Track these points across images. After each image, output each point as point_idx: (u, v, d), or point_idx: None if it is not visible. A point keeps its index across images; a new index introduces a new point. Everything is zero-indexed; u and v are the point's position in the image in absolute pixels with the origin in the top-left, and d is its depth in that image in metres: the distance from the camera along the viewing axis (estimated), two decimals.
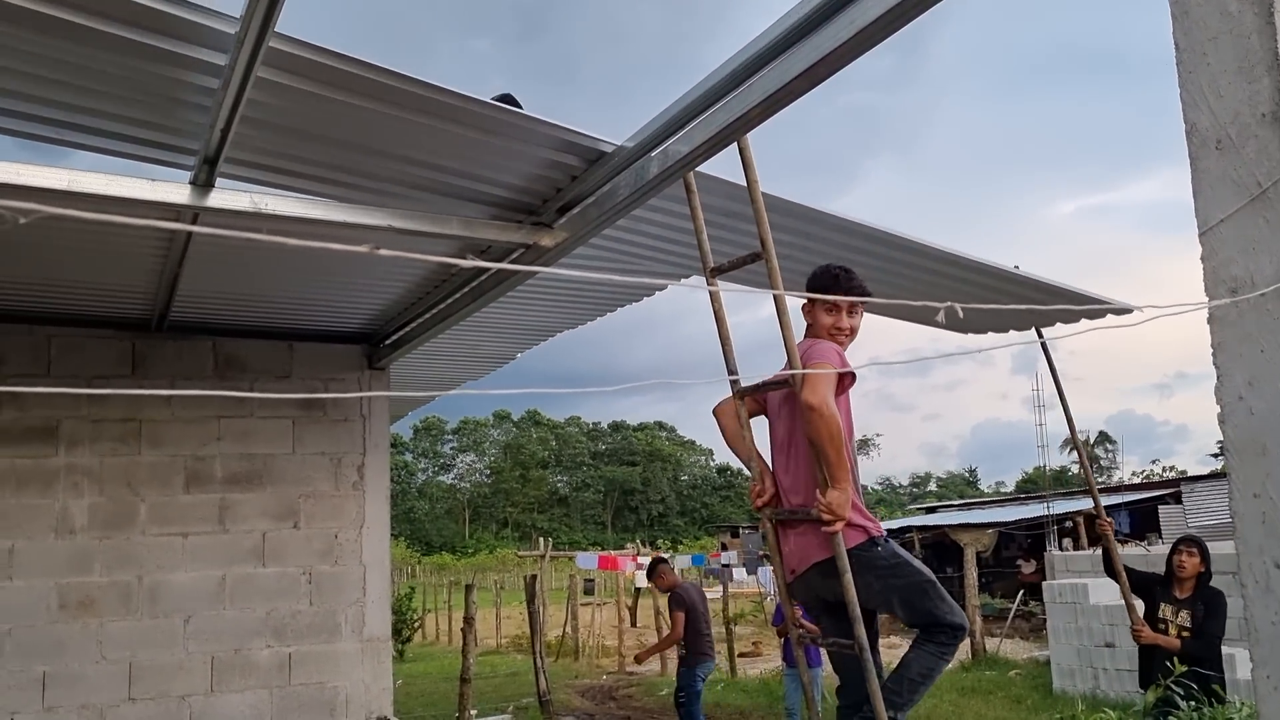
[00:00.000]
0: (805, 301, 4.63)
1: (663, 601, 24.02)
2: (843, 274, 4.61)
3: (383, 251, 1.18)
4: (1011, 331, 7.45)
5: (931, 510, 42.45)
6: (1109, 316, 6.51)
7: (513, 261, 5.36)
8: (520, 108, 5.05)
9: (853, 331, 4.58)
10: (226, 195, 4.40)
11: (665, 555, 12.46)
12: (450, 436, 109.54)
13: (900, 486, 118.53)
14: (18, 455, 6.52)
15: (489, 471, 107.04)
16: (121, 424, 6.80)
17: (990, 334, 7.48)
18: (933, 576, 4.38)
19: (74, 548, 6.61)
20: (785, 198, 4.93)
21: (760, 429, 4.73)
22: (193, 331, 7.00)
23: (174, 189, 4.36)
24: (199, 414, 7.00)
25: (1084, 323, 6.80)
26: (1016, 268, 6.28)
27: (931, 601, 4.30)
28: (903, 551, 4.41)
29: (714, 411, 4.81)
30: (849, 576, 4.04)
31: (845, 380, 4.31)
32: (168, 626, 6.79)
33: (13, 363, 6.57)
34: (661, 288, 6.45)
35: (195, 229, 2.07)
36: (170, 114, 3.93)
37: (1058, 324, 7.11)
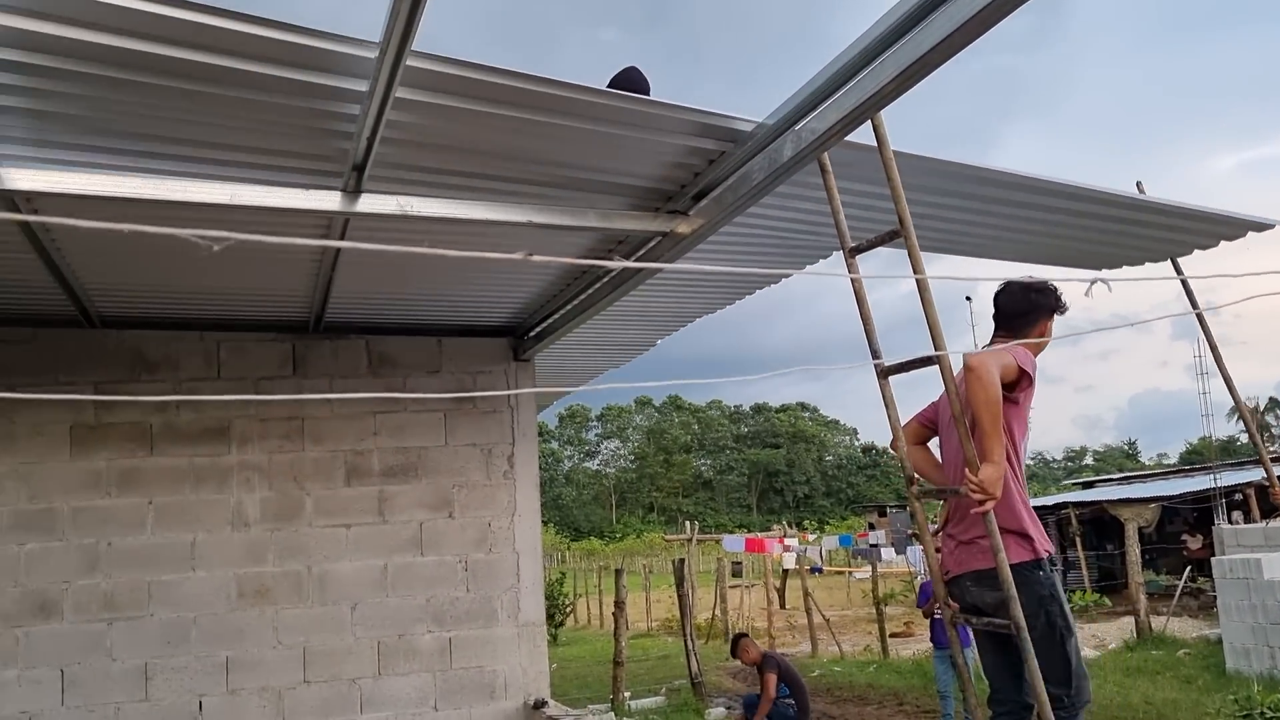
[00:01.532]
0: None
1: (812, 581, 23.90)
2: (1051, 292, 4.58)
3: (535, 257, 1.23)
4: (1147, 265, 7.13)
5: (1089, 485, 40.91)
6: (1249, 235, 6.21)
7: (651, 248, 5.42)
8: (646, 83, 5.10)
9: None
10: (375, 200, 4.58)
11: (745, 631, 12.66)
12: (594, 423, 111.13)
13: (1054, 461, 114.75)
14: (195, 454, 6.94)
15: (633, 457, 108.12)
16: (286, 422, 7.15)
17: (1125, 268, 7.17)
18: (1078, 633, 4.27)
19: (249, 540, 7.00)
20: (912, 152, 4.85)
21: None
22: (347, 331, 7.31)
23: (326, 197, 4.57)
24: (356, 410, 7.30)
25: (1223, 245, 6.49)
26: (1139, 186, 6.04)
27: (1069, 658, 4.14)
28: (1061, 591, 4.29)
29: (891, 447, 4.82)
30: (1012, 590, 3.97)
31: (1023, 380, 4.25)
32: (336, 613, 7.12)
33: (187, 367, 6.99)
34: (800, 270, 6.42)
35: (364, 246, 2.19)
36: (318, 142, 4.14)
37: (1194, 250, 6.79)
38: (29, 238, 4.98)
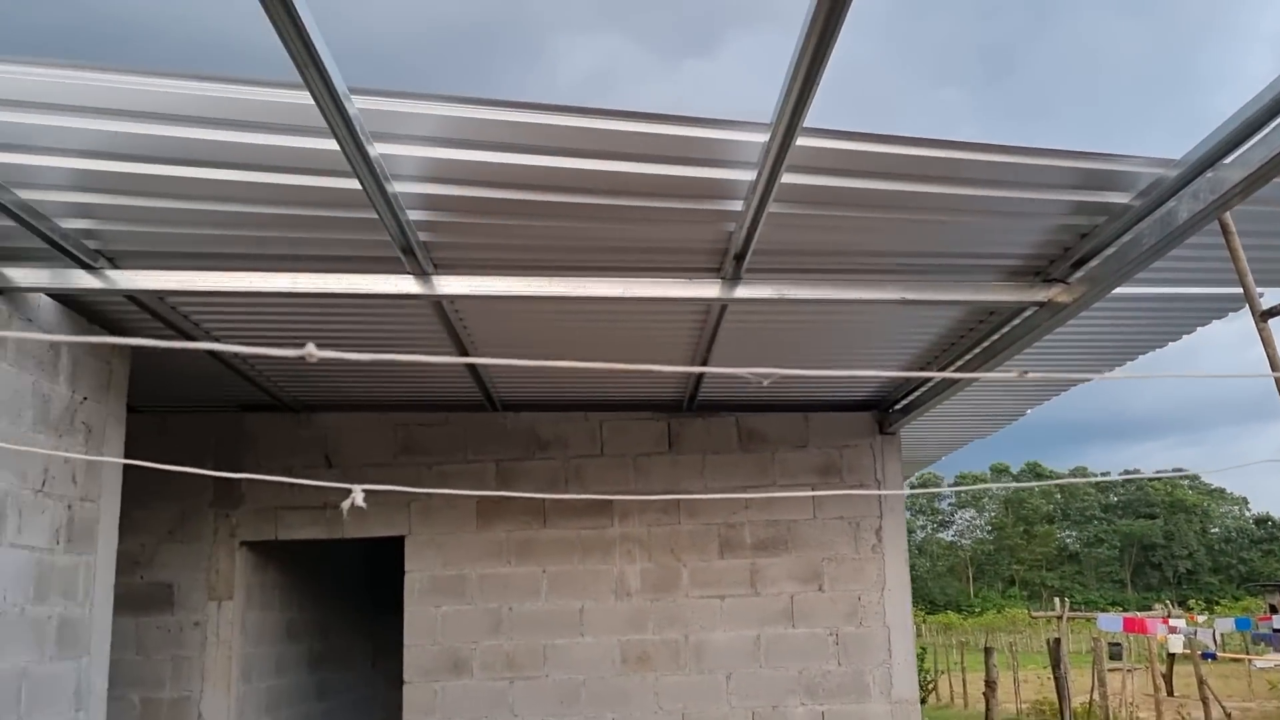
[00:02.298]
0: None
1: (1205, 668, 21.60)
2: None
3: (1030, 375, 1.30)
4: None
5: None
6: None
7: (1025, 318, 5.29)
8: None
9: None
10: (753, 287, 4.82)
11: None
12: (948, 494, 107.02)
13: None
14: (582, 527, 7.47)
15: (990, 527, 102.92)
16: (663, 496, 7.54)
17: None
18: None
19: (631, 608, 7.40)
20: None
21: None
22: (718, 409, 7.63)
23: (707, 285, 4.86)
24: (728, 484, 7.58)
25: None
26: None
27: None
28: None
29: None
30: None
31: None
32: (712, 682, 7.35)
33: (574, 445, 7.57)
34: (1198, 326, 6.01)
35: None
36: (700, 233, 4.44)
37: None
38: (449, 333, 5.64)
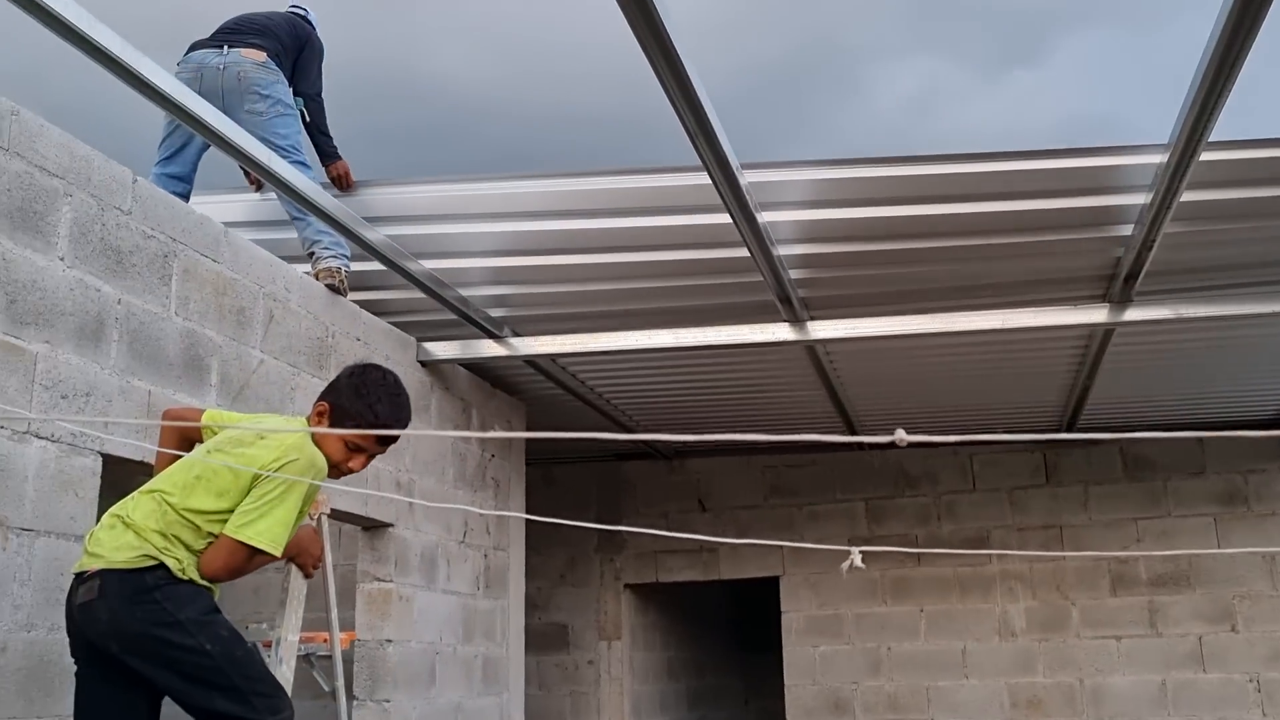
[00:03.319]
0: None
1: None
2: None
3: None
4: None
5: None
6: None
7: None
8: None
9: None
10: (1145, 309, 4.54)
11: None
12: None
13: None
14: (959, 564, 7.25)
15: None
16: (1043, 531, 7.19)
17: None
18: None
19: (1016, 649, 7.09)
20: None
21: None
22: (1099, 438, 7.18)
23: (1093, 311, 4.64)
24: (1114, 517, 7.11)
25: None
26: None
27: None
28: None
29: None
30: None
31: None
32: None
33: (944, 481, 7.40)
34: None
35: None
36: (1084, 261, 4.26)
37: None
38: (819, 375, 5.70)
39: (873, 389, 6.18)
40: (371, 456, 2.66)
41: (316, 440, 2.52)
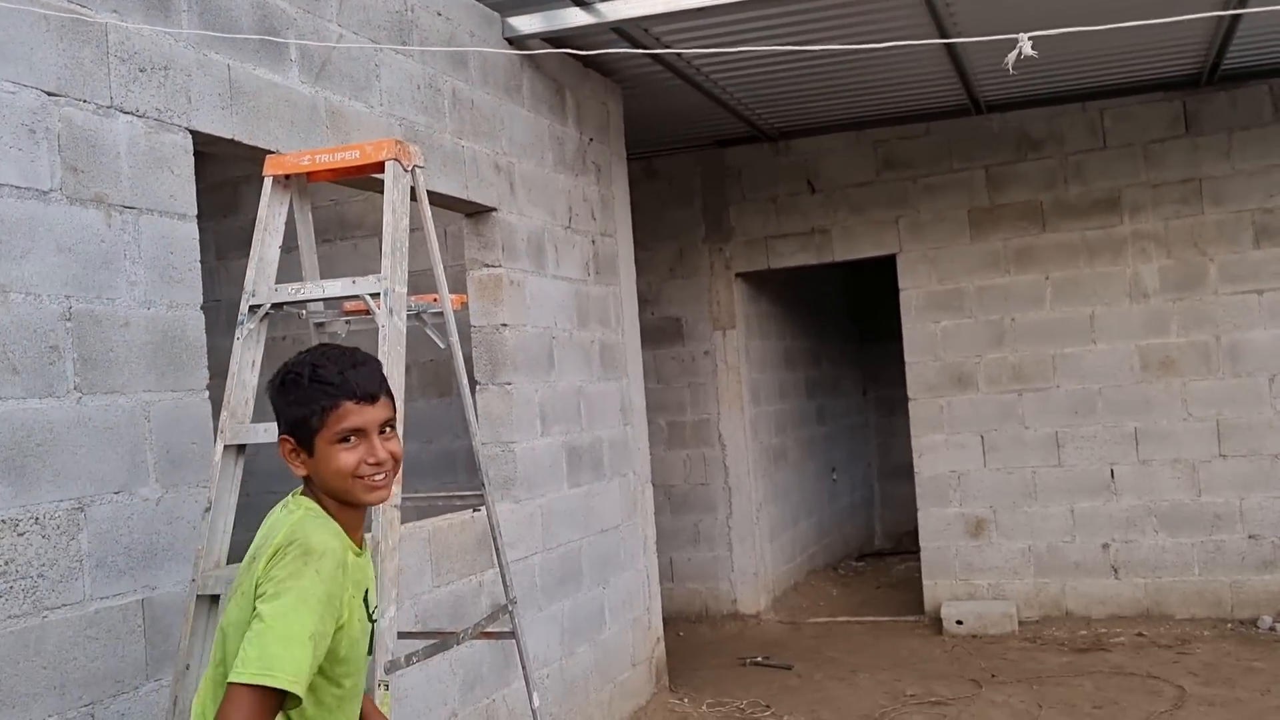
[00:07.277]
0: None
1: None
2: None
3: None
4: None
5: None
6: None
7: None
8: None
9: None
10: None
11: None
12: None
13: None
14: (1086, 227, 6.91)
15: None
16: (1180, 185, 6.75)
17: None
18: None
19: (1148, 311, 6.82)
20: None
21: None
22: (1246, 78, 6.57)
23: None
24: (1261, 165, 6.61)
25: None
26: None
27: None
28: None
29: None
30: None
31: None
32: (1251, 385, 6.66)
33: (1071, 140, 6.93)
34: None
35: None
36: None
37: None
38: (935, 24, 5.23)
39: (993, 41, 5.67)
40: (377, 431, 1.95)
41: (321, 476, 1.95)
